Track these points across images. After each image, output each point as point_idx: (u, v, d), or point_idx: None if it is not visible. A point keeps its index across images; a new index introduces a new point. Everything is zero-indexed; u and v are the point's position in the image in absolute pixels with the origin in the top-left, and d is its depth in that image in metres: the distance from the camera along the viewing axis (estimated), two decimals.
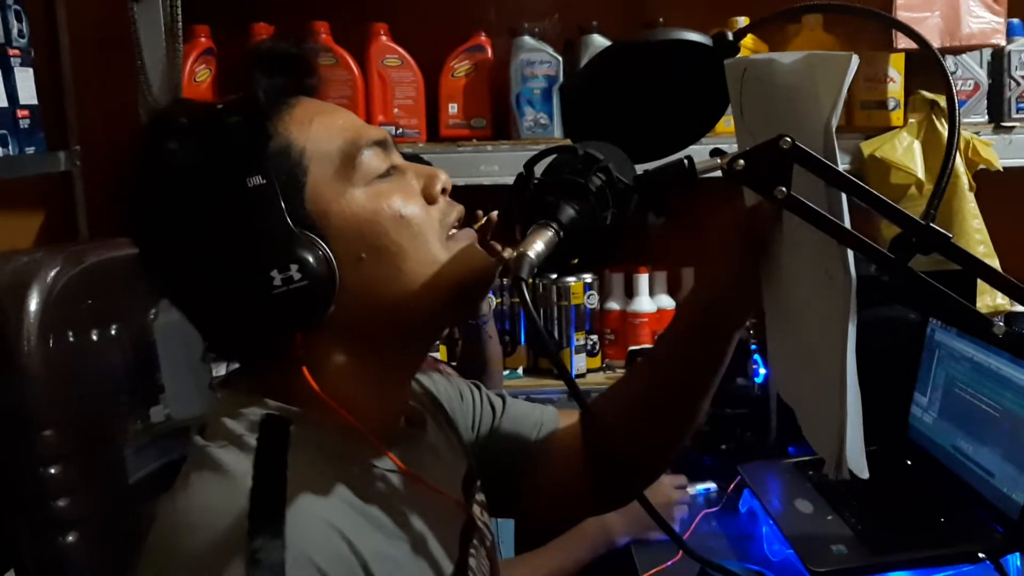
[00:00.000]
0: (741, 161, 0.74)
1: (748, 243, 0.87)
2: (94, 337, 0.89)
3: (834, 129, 0.70)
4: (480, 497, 0.99)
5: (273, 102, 0.80)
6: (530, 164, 0.81)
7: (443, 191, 0.85)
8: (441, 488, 0.87)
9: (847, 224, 0.71)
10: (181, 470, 0.81)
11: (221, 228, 0.75)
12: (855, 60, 0.69)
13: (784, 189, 0.72)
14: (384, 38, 2.02)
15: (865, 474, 0.75)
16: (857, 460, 0.76)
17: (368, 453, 0.82)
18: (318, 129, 0.80)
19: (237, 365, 0.86)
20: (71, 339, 0.86)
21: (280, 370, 0.79)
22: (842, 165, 0.71)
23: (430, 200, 0.83)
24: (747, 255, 0.88)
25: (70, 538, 0.82)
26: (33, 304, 0.83)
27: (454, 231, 0.85)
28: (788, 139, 0.71)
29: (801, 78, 0.74)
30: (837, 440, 0.74)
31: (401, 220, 0.80)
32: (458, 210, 0.86)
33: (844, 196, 0.72)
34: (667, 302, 2.20)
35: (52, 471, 0.82)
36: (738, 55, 0.87)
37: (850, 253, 0.72)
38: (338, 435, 0.80)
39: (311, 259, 0.74)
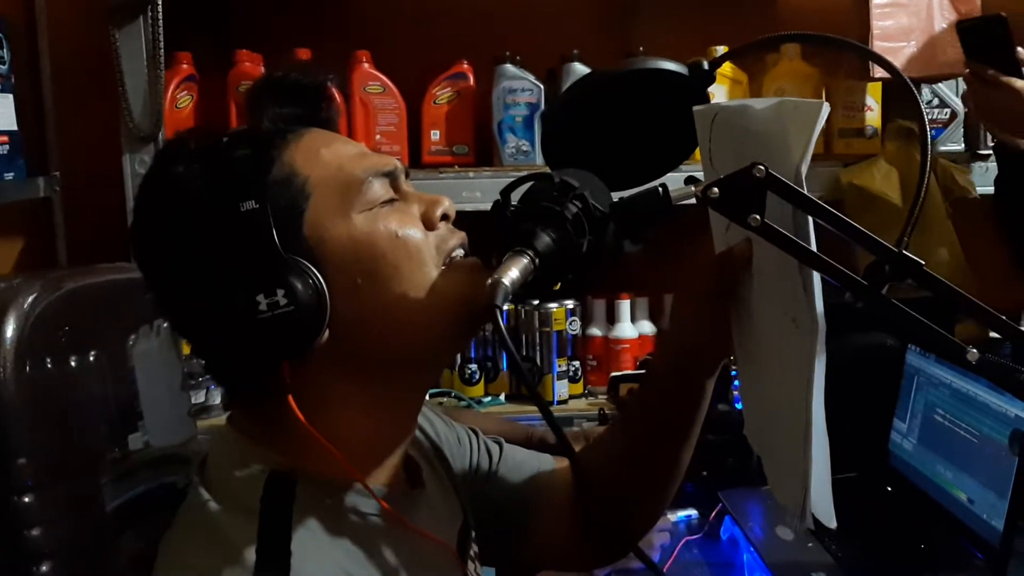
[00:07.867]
0: (715, 189, 0.74)
1: (717, 289, 0.88)
2: (72, 364, 0.88)
3: (804, 174, 0.71)
4: (474, 550, 0.98)
5: (280, 131, 0.81)
6: (507, 191, 0.81)
7: (444, 217, 0.84)
8: (438, 539, 0.88)
9: (814, 248, 0.72)
10: (179, 513, 0.81)
11: (212, 250, 0.75)
12: (826, 108, 0.70)
13: (758, 217, 0.73)
14: (367, 65, 2.03)
15: (833, 523, 0.74)
16: (824, 508, 0.75)
17: (368, 505, 0.82)
18: (324, 159, 0.80)
19: (226, 392, 0.87)
20: (48, 365, 0.85)
21: (277, 403, 0.78)
22: (819, 193, 0.71)
23: (429, 225, 0.83)
24: (716, 301, 0.89)
25: (44, 568, 0.81)
26: (10, 330, 0.82)
27: (456, 256, 0.84)
28: (762, 167, 0.72)
29: (772, 124, 0.74)
30: (801, 489, 0.74)
31: (396, 241, 0.79)
32: (459, 236, 0.85)
33: (811, 221, 0.72)
34: (649, 328, 2.21)
35: (26, 500, 0.81)
36: (713, 82, 0.88)
37: (819, 301, 0.72)
38: (340, 492, 0.81)
39: (299, 285, 0.74)
